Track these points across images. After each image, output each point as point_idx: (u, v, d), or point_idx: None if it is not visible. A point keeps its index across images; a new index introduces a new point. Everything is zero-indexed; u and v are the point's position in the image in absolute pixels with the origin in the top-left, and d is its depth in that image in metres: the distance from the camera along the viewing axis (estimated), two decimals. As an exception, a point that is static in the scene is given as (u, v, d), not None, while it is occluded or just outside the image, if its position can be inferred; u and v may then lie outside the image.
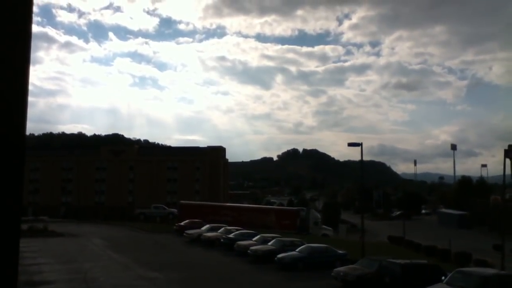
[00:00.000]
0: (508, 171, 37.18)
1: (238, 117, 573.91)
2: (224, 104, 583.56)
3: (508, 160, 33.35)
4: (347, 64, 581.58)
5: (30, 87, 2.39)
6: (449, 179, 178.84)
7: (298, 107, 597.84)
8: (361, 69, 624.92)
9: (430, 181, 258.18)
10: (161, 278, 25.17)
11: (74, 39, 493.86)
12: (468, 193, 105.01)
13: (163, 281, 24.52)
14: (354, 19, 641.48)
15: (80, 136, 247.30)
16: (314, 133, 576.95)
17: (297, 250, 30.62)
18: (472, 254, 36.06)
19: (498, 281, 18.94)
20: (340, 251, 31.19)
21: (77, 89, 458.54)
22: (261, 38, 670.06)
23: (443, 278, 20.88)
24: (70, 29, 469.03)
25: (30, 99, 2.38)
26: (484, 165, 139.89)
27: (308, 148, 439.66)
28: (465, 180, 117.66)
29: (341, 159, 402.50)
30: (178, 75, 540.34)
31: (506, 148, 32.84)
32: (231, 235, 38.53)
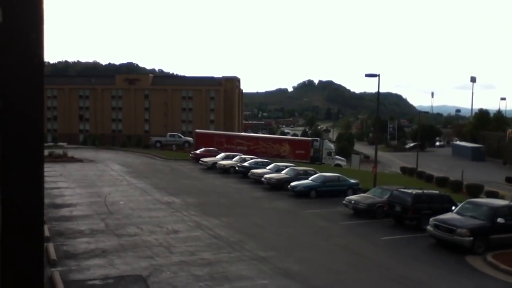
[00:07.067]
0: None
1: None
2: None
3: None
4: None
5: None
6: (466, 112, 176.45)
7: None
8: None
9: (446, 114, 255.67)
10: (178, 203, 26.05)
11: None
12: (485, 126, 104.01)
13: (180, 205, 25.37)
14: None
15: (95, 65, 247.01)
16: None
17: (310, 178, 31.13)
18: (483, 186, 36.20)
19: (507, 212, 19.16)
20: (352, 180, 31.60)
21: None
22: None
23: (453, 208, 21.20)
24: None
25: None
26: (503, 98, 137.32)
27: (324, 79, 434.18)
28: (482, 113, 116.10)
29: (357, 91, 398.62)
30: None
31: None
32: (245, 164, 39.27)
